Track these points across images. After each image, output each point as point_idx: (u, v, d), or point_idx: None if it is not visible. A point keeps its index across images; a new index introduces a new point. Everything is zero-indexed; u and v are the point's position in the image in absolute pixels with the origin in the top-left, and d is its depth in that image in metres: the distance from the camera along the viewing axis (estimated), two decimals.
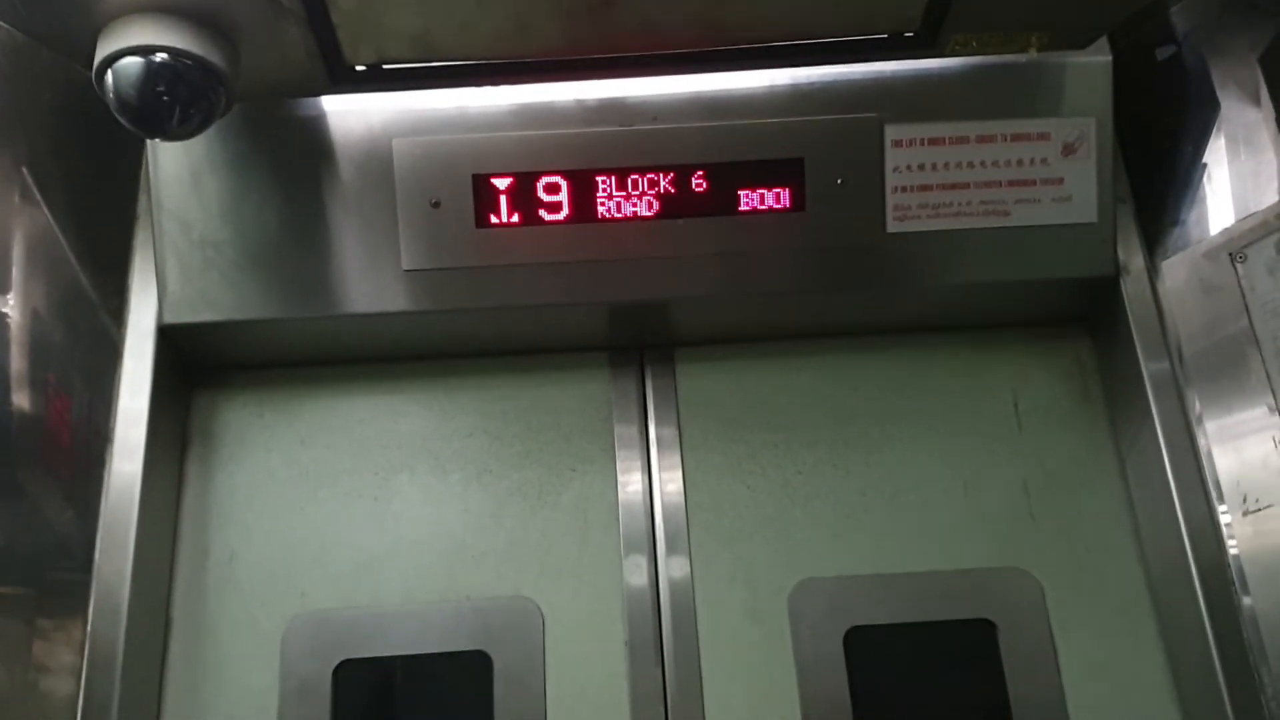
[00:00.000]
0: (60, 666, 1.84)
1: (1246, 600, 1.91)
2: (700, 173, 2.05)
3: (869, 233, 2.08)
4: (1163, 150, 2.17)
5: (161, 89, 1.65)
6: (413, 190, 2.03)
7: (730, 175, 2.05)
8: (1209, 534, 1.97)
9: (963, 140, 2.06)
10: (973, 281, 2.14)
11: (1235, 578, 1.93)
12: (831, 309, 2.23)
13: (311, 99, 2.02)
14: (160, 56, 1.64)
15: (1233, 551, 1.94)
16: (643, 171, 2.05)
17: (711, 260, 2.09)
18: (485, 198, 2.03)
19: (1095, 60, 2.06)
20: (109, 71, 1.66)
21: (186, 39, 1.64)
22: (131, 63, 1.64)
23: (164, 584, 2.09)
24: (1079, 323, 2.31)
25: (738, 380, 2.27)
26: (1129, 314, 2.13)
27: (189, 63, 1.66)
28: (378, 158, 2.03)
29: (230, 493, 2.17)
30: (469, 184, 2.03)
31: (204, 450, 2.20)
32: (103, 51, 1.66)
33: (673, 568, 2.12)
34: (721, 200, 2.06)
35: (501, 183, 2.03)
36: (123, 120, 1.69)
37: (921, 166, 2.06)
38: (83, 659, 1.87)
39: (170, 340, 2.11)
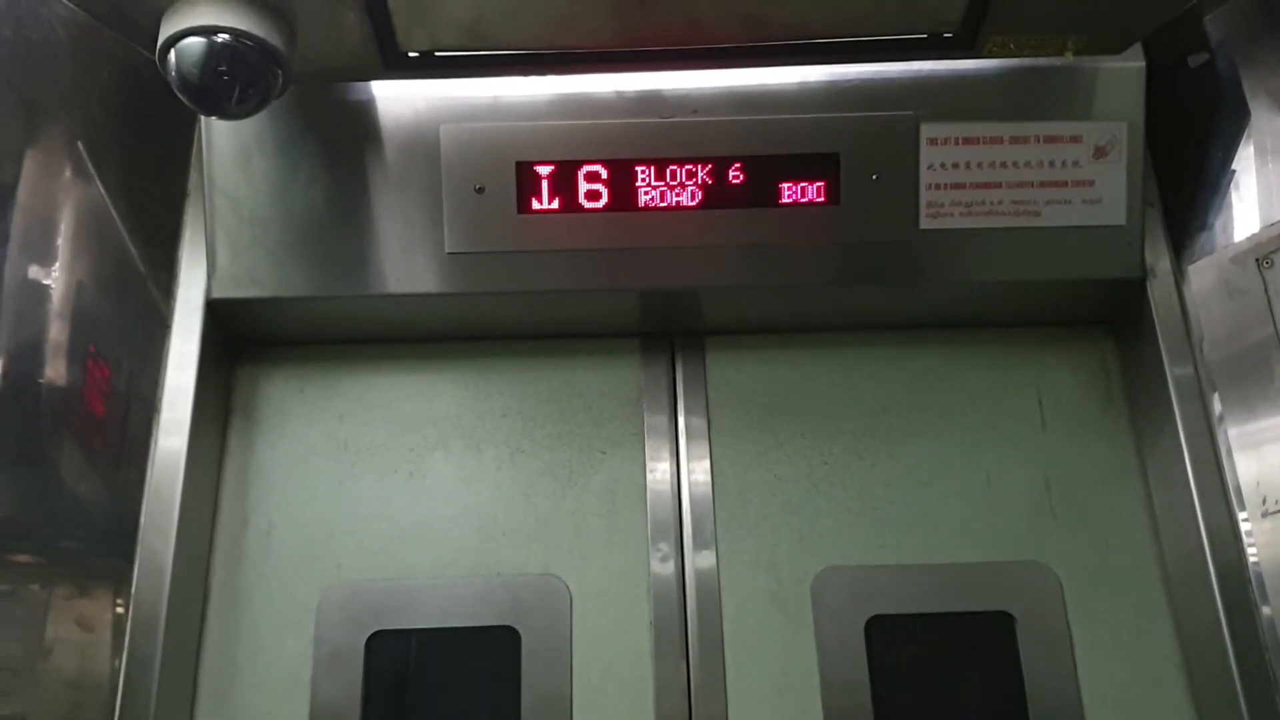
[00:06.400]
0: (104, 625, 1.90)
1: (1263, 603, 1.93)
2: (737, 165, 2.08)
3: (902, 229, 2.11)
4: (1192, 156, 2.19)
5: (223, 69, 1.70)
6: (458, 175, 2.07)
7: (766, 168, 2.09)
8: (1228, 536, 2.00)
9: (997, 140, 2.09)
10: (1002, 280, 2.17)
11: (1253, 580, 1.95)
12: (862, 303, 2.26)
13: (362, 84, 2.06)
14: (222, 37, 1.68)
15: (1251, 554, 1.97)
16: (681, 163, 2.08)
17: (745, 251, 2.12)
18: (528, 184, 2.07)
19: (1129, 65, 2.09)
20: (172, 51, 1.70)
21: (248, 20, 1.69)
22: (195, 42, 1.69)
23: (204, 552, 2.13)
24: (1105, 324, 2.34)
25: (767, 370, 2.30)
26: (1154, 316, 2.15)
27: (249, 44, 1.70)
28: (424, 143, 2.07)
29: (270, 465, 2.22)
30: (513, 170, 2.07)
31: (246, 423, 2.25)
32: (166, 31, 1.70)
33: (699, 552, 2.15)
34: (757, 193, 2.09)
35: (544, 170, 2.07)
36: (184, 98, 1.74)
37: (955, 165, 2.09)
38: (127, 620, 1.92)
39: (217, 315, 2.16)
